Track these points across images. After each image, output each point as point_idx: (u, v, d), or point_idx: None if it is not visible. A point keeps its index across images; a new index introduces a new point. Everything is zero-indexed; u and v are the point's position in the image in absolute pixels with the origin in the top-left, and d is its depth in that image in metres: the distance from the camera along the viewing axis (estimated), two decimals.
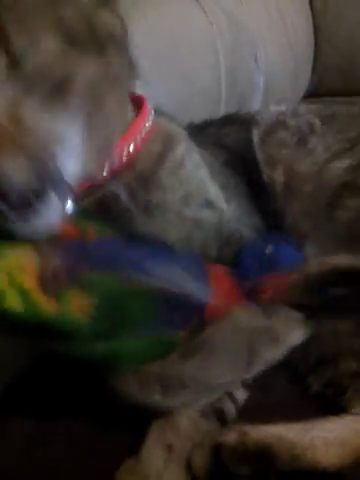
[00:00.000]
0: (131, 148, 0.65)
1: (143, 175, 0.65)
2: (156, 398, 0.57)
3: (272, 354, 0.59)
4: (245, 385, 0.67)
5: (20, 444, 0.63)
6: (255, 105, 1.26)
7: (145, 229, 0.65)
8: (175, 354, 0.58)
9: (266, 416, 0.59)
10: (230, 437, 0.55)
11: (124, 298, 0.59)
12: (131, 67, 0.63)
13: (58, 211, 0.56)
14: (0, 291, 0.55)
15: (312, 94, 1.51)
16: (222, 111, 1.17)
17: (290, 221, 0.73)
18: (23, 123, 0.52)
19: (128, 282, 0.59)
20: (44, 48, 0.53)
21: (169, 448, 0.58)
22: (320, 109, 0.86)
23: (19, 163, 0.52)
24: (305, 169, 0.74)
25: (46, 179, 0.53)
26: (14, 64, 0.52)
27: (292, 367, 0.70)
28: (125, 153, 0.65)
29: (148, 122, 0.67)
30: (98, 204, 0.62)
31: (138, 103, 0.68)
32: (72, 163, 0.56)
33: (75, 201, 0.57)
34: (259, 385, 0.66)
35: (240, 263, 0.67)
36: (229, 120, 0.88)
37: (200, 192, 0.68)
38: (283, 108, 0.85)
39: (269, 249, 0.66)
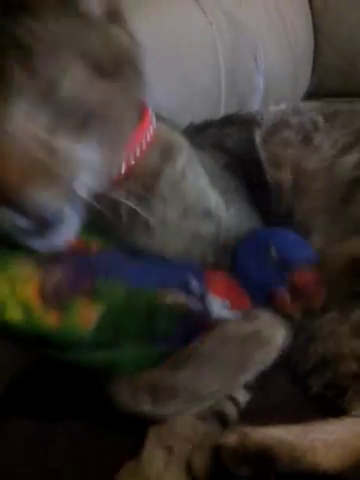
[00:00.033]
0: (131, 159, 0.65)
1: (142, 188, 0.65)
2: (146, 407, 0.57)
3: (264, 358, 0.59)
4: (246, 387, 0.67)
5: (20, 445, 0.63)
6: (255, 105, 1.26)
7: (144, 243, 0.65)
8: (166, 364, 0.58)
9: (266, 418, 0.59)
10: (230, 439, 0.55)
11: (131, 307, 0.59)
12: (143, 81, 0.63)
13: (73, 227, 0.56)
14: (1, 302, 0.55)
15: (312, 95, 1.51)
16: (222, 111, 1.17)
17: (299, 218, 0.73)
18: (55, 152, 0.53)
19: (134, 292, 0.59)
20: (73, 77, 0.54)
21: (169, 450, 0.58)
22: (322, 107, 0.85)
23: (50, 192, 0.53)
24: (313, 166, 0.74)
25: (68, 201, 0.54)
26: (45, 94, 0.52)
27: (292, 368, 0.70)
28: (125, 164, 0.64)
29: (149, 132, 0.67)
30: (98, 216, 0.61)
31: (140, 108, 0.67)
32: (89, 180, 0.56)
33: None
34: (259, 386, 0.66)
35: (245, 267, 0.66)
36: (229, 121, 0.87)
37: (199, 203, 0.68)
38: (283, 107, 0.85)
39: (273, 251, 0.65)
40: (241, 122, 0.85)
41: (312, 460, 0.54)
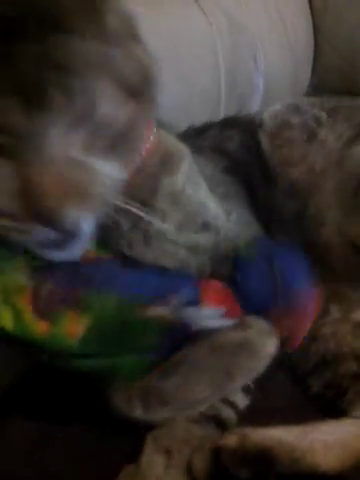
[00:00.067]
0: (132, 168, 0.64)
1: (141, 199, 0.64)
2: (138, 413, 0.58)
3: (253, 366, 0.59)
4: (246, 390, 0.67)
5: (20, 448, 0.63)
6: (255, 106, 1.26)
7: (143, 256, 0.64)
8: (155, 373, 0.59)
9: (266, 418, 0.59)
10: (230, 440, 0.56)
11: (120, 323, 0.59)
12: (158, 99, 0.62)
13: (87, 239, 0.57)
14: None
15: (312, 95, 1.51)
16: (221, 112, 1.17)
17: (312, 212, 0.73)
18: (89, 172, 0.54)
19: (125, 303, 0.59)
20: (109, 97, 0.54)
21: (168, 454, 0.58)
22: (322, 102, 0.85)
23: (83, 209, 0.54)
24: (322, 162, 0.74)
25: (95, 215, 0.56)
26: (82, 115, 0.52)
27: (292, 368, 0.70)
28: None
29: (149, 141, 0.66)
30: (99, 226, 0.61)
31: None
32: (109, 195, 0.57)
33: None
34: (259, 387, 0.66)
35: (245, 287, 0.65)
36: (229, 123, 0.87)
37: (198, 215, 0.67)
38: (278, 107, 0.85)
39: (277, 275, 0.64)
40: (241, 124, 0.85)
41: (312, 461, 0.54)
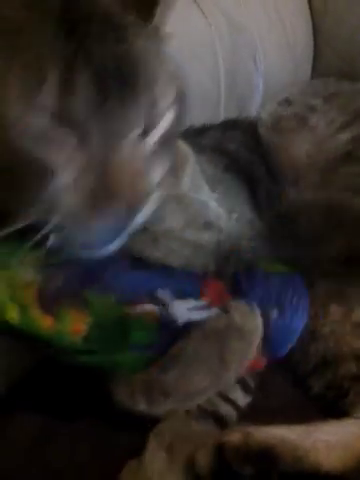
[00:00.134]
0: None
1: None
2: (142, 407, 0.59)
3: (241, 346, 0.59)
4: (246, 389, 0.67)
5: (23, 446, 0.63)
6: (254, 106, 1.26)
7: (150, 254, 0.65)
8: (155, 367, 0.60)
9: (267, 418, 0.59)
10: (234, 437, 0.56)
11: (118, 321, 0.60)
12: None
13: (120, 243, 0.58)
14: (2, 303, 0.57)
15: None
16: (221, 113, 1.17)
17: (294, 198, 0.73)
18: (146, 179, 0.55)
19: (120, 301, 0.60)
20: (168, 99, 0.56)
21: (170, 450, 0.58)
22: (325, 87, 0.85)
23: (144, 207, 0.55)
24: (309, 147, 0.74)
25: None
26: (146, 132, 0.54)
27: (292, 369, 0.70)
28: None
29: None
30: None
31: None
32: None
33: None
34: (259, 387, 0.66)
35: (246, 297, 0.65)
36: (230, 125, 0.88)
37: (200, 215, 0.68)
38: (274, 104, 0.85)
39: (274, 313, 0.64)
40: (242, 126, 0.86)
41: (315, 460, 0.55)
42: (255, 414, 0.65)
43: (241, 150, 0.80)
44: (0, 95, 0.49)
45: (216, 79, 1.17)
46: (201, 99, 1.13)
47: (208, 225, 0.68)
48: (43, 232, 0.53)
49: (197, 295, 0.63)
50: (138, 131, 0.54)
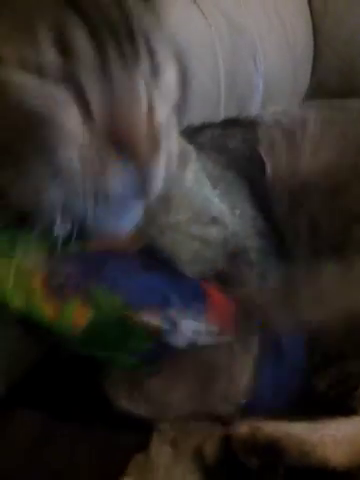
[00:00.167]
0: None
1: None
2: (123, 402, 0.59)
3: (229, 394, 0.59)
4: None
5: (23, 445, 0.63)
6: (254, 107, 1.26)
7: (159, 244, 0.65)
8: (141, 371, 0.60)
9: (271, 417, 0.59)
10: (242, 429, 0.57)
11: (119, 323, 0.59)
12: None
13: (134, 220, 0.58)
14: (8, 291, 0.57)
15: (312, 96, 1.51)
16: (221, 113, 1.17)
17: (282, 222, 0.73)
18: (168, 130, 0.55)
19: (125, 304, 0.59)
20: (168, 67, 0.57)
21: (174, 445, 0.58)
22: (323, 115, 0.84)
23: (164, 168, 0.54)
24: (286, 170, 0.75)
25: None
26: (154, 73, 0.54)
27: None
28: None
29: None
30: None
31: None
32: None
33: None
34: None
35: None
36: (230, 123, 0.88)
37: (206, 211, 0.69)
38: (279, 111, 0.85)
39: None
40: (243, 123, 0.86)
41: (322, 455, 0.55)
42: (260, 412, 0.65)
43: (241, 147, 0.80)
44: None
45: (216, 79, 1.17)
46: (201, 99, 1.14)
47: (214, 220, 0.68)
48: (54, 212, 0.53)
49: (202, 308, 0.62)
50: (142, 88, 0.53)
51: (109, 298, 0.59)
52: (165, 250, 0.65)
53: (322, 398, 0.67)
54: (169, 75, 0.57)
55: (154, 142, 0.52)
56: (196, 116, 0.87)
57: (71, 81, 0.50)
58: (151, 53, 0.54)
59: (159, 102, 0.55)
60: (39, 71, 0.49)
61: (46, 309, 0.57)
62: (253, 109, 1.26)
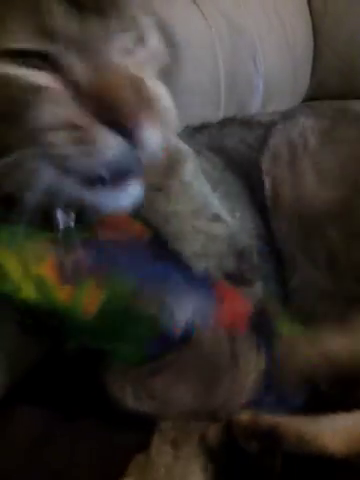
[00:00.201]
0: None
1: (153, 187, 0.65)
2: (129, 401, 0.59)
3: (234, 383, 0.59)
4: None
5: (23, 445, 0.63)
6: (254, 108, 1.27)
7: (163, 230, 0.65)
8: (147, 367, 0.60)
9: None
10: (243, 417, 0.58)
11: (126, 311, 0.59)
12: None
13: (138, 194, 0.57)
14: (16, 283, 0.57)
15: (312, 97, 1.51)
16: (221, 114, 1.17)
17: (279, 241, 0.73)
18: (152, 89, 0.54)
19: (135, 290, 0.60)
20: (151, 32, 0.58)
21: (175, 445, 0.59)
22: (328, 129, 0.82)
23: (158, 130, 0.53)
24: (290, 193, 0.74)
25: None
26: (140, 39, 0.55)
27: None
28: None
29: None
30: None
31: None
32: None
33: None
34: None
35: None
36: (228, 122, 0.88)
37: (207, 207, 0.69)
38: (277, 118, 0.84)
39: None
40: (241, 123, 0.86)
41: (320, 443, 0.55)
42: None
43: (239, 146, 0.80)
44: None
45: (216, 80, 1.18)
46: (201, 100, 1.14)
47: (216, 217, 0.69)
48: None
49: (211, 297, 0.62)
50: (122, 44, 0.53)
51: (122, 281, 0.59)
52: (170, 240, 0.65)
53: (324, 398, 0.67)
54: (153, 42, 0.57)
55: (143, 106, 0.52)
56: (196, 117, 0.88)
57: (55, 63, 0.51)
58: (134, 22, 0.55)
59: (146, 67, 0.55)
60: (22, 57, 0.50)
61: (59, 293, 0.57)
62: (253, 109, 1.27)
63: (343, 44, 1.49)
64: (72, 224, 0.60)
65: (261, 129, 0.81)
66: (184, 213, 0.67)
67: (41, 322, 0.61)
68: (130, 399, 0.59)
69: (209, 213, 0.69)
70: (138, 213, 0.63)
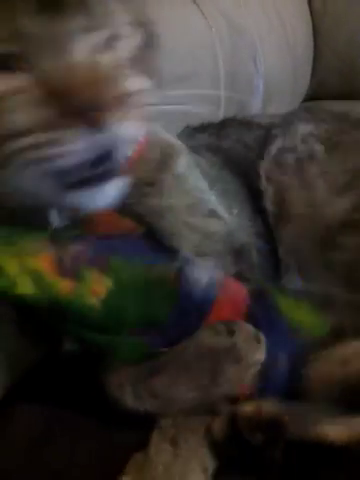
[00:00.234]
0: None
1: (145, 181, 0.65)
2: (129, 400, 0.59)
3: (237, 374, 0.59)
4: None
5: (23, 445, 0.63)
6: (254, 108, 1.27)
7: (156, 225, 0.64)
8: (146, 365, 0.60)
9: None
10: (247, 408, 0.57)
11: (134, 284, 0.59)
12: None
13: (117, 191, 0.57)
14: (12, 278, 0.56)
15: (312, 97, 1.51)
16: (221, 114, 1.17)
17: (284, 247, 0.72)
18: (118, 79, 0.53)
19: (150, 268, 0.60)
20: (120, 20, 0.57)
21: (174, 443, 0.59)
22: (331, 134, 0.82)
23: (126, 120, 0.53)
24: (301, 203, 0.73)
25: (118, 157, 0.54)
26: (113, 40, 0.55)
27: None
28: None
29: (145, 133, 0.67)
30: None
31: None
32: (130, 145, 0.56)
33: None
34: None
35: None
36: (227, 123, 0.88)
37: (203, 202, 0.68)
38: (277, 120, 0.84)
39: (283, 360, 0.61)
40: (240, 123, 0.86)
41: (320, 430, 0.56)
42: None
43: (237, 146, 0.79)
44: None
45: (216, 80, 1.18)
46: (201, 100, 1.14)
47: (213, 213, 0.68)
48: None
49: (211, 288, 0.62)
50: (91, 42, 0.53)
51: (128, 266, 0.59)
52: (166, 236, 0.64)
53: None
54: (128, 41, 0.57)
55: (116, 103, 0.51)
56: (196, 117, 0.88)
57: (25, 64, 0.51)
58: (109, 19, 0.55)
59: (122, 64, 0.55)
60: None
61: (60, 286, 0.57)
62: (253, 110, 1.27)
63: (343, 44, 1.49)
64: (66, 222, 0.60)
65: (260, 130, 0.80)
66: (178, 208, 0.66)
67: (39, 321, 0.61)
68: (130, 399, 0.59)
69: (205, 209, 0.68)
70: (130, 209, 0.63)
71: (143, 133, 0.57)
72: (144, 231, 0.64)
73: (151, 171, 0.66)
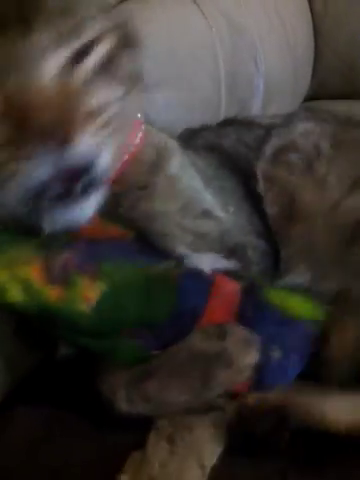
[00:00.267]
0: (127, 154, 0.65)
1: (138, 184, 0.65)
2: (122, 405, 0.59)
3: (228, 378, 0.59)
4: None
5: (23, 445, 0.63)
6: (255, 108, 1.27)
7: (149, 236, 0.65)
8: (139, 369, 0.60)
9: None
10: (250, 399, 0.59)
11: (131, 283, 0.60)
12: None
13: (95, 205, 0.57)
14: (1, 285, 0.57)
15: (312, 98, 1.51)
16: (222, 114, 1.17)
17: (293, 247, 0.71)
18: (85, 93, 0.54)
19: (141, 266, 0.60)
20: (91, 27, 0.56)
21: (171, 441, 0.59)
22: (335, 132, 0.81)
23: (92, 138, 0.53)
24: (314, 201, 0.72)
25: (95, 171, 0.54)
26: (60, 39, 0.54)
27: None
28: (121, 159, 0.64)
29: (139, 132, 0.67)
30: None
31: None
32: (106, 158, 0.56)
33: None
34: None
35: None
36: (227, 123, 0.88)
37: (197, 202, 0.68)
38: (278, 121, 0.83)
39: (275, 355, 0.61)
40: (241, 123, 0.85)
41: (324, 418, 0.57)
42: None
43: (236, 145, 0.79)
44: None
45: (217, 81, 1.17)
46: (202, 101, 1.14)
47: (206, 213, 0.68)
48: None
49: (204, 290, 0.62)
50: (58, 59, 0.53)
51: (122, 268, 0.60)
52: (157, 238, 0.64)
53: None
54: (101, 47, 0.56)
55: (78, 119, 0.52)
56: (197, 117, 0.88)
57: None
58: (77, 32, 0.54)
59: (88, 82, 0.54)
60: None
61: (49, 293, 0.57)
62: (254, 110, 1.27)
63: (344, 45, 1.49)
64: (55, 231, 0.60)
65: (261, 130, 0.80)
66: (171, 211, 0.66)
67: (34, 327, 0.61)
68: (123, 402, 0.59)
69: (198, 208, 0.67)
70: (123, 215, 0.64)
71: (125, 141, 0.57)
72: (135, 235, 0.64)
73: (144, 174, 0.66)
